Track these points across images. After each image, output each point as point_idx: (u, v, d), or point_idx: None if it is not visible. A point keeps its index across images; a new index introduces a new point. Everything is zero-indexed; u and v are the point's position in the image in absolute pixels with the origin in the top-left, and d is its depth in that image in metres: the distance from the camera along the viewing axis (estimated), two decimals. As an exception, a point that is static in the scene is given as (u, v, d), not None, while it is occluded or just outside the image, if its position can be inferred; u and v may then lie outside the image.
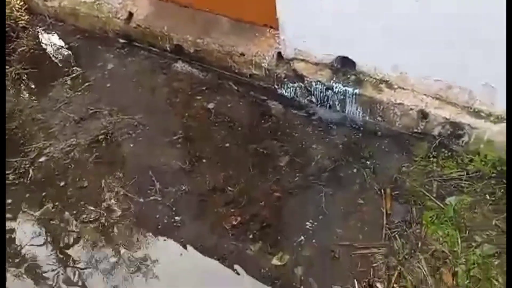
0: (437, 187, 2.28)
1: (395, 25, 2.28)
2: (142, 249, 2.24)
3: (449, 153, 2.40)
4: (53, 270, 2.20)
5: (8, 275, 2.18)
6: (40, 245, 2.31)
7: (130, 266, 2.18)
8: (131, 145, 2.67)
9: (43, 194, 2.47)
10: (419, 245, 2.08)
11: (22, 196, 2.48)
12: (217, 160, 2.56)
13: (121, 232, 2.30)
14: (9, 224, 2.39)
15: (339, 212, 2.25)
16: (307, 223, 2.21)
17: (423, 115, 2.48)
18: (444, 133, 2.44)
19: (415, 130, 2.53)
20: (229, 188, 2.41)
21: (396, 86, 2.55)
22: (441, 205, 2.20)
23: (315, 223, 2.21)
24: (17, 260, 2.25)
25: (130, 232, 2.30)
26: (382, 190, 2.29)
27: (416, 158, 2.41)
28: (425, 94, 2.48)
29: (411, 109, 2.49)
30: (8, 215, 2.42)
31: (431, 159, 2.40)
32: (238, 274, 2.10)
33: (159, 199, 2.39)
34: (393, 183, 2.32)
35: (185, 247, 2.21)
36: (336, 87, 2.64)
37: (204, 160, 2.56)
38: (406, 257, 2.03)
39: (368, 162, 2.44)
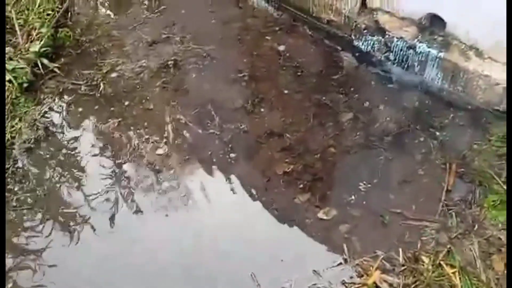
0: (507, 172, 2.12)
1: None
2: (193, 179, 2.30)
3: (530, 139, 2.19)
4: (106, 186, 2.30)
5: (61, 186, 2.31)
6: (97, 155, 2.41)
7: (177, 191, 2.25)
8: (198, 75, 2.68)
9: (111, 109, 2.58)
10: (475, 227, 1.98)
11: (91, 107, 2.61)
12: (279, 104, 2.51)
13: (177, 159, 2.38)
14: (73, 133, 2.52)
15: (396, 178, 2.17)
16: (360, 183, 2.16)
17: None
18: (529, 116, 2.22)
19: (496, 108, 2.32)
20: (287, 135, 2.38)
21: (486, 56, 2.31)
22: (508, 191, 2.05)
23: (369, 185, 2.15)
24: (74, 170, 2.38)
25: (185, 160, 2.37)
26: (447, 165, 2.16)
27: (491, 137, 2.24)
28: (518, 70, 2.23)
29: (498, 84, 2.27)
30: (74, 121, 2.55)
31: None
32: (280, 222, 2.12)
33: (217, 133, 2.42)
34: (460, 160, 2.18)
35: (234, 185, 2.26)
36: (419, 47, 2.44)
37: (266, 103, 2.53)
38: (459, 236, 1.95)
39: (437, 133, 2.30)
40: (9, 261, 2.04)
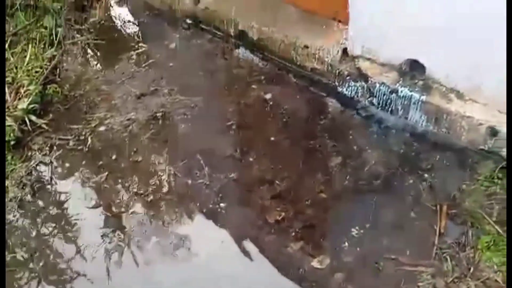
0: (498, 211, 2.12)
1: (475, 31, 2.12)
2: (184, 229, 2.27)
3: (517, 177, 2.22)
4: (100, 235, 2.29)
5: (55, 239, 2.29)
6: (87, 209, 2.40)
7: (170, 242, 2.22)
8: (186, 126, 2.71)
9: (99, 163, 2.57)
10: (471, 270, 1.95)
11: (79, 162, 2.60)
12: (268, 152, 2.53)
13: (167, 210, 2.35)
14: (61, 188, 2.50)
15: (388, 223, 2.15)
16: (353, 229, 2.14)
17: (493, 132, 2.30)
18: (514, 155, 2.26)
19: (482, 147, 2.36)
20: (277, 182, 2.38)
21: (467, 98, 2.38)
22: (501, 231, 2.04)
23: (361, 231, 2.13)
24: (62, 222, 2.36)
25: (174, 210, 2.34)
26: (438, 207, 2.16)
27: (479, 177, 2.25)
28: (498, 110, 2.29)
29: (481, 124, 2.32)
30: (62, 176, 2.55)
31: (495, 180, 2.23)
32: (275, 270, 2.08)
33: (207, 183, 2.41)
34: (450, 201, 2.18)
35: (226, 235, 2.22)
36: (401, 91, 2.51)
37: (254, 150, 2.54)
38: (455, 280, 1.92)
39: (425, 175, 2.31)
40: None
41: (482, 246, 2.01)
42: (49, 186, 2.51)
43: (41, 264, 2.20)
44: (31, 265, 2.19)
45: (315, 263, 2.06)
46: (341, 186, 2.33)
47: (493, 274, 1.93)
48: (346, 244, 2.10)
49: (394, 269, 1.98)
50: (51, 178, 2.55)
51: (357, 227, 2.14)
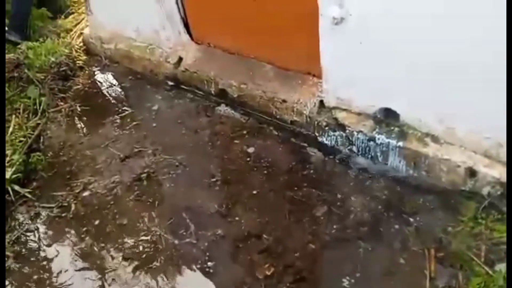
0: (486, 252, 2.13)
1: (441, 76, 2.23)
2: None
3: (499, 215, 2.25)
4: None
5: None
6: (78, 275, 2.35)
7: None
8: (171, 185, 2.72)
9: (84, 229, 2.53)
10: (465, 314, 1.93)
11: (63, 229, 2.56)
12: (254, 205, 2.54)
13: (153, 272, 2.30)
14: (47, 256, 2.46)
15: (378, 270, 2.14)
16: (344, 279, 2.11)
17: (471, 173, 2.36)
18: (494, 193, 2.30)
19: (463, 188, 2.41)
20: (264, 236, 2.37)
21: (442, 141, 2.46)
22: (490, 272, 2.04)
23: (352, 280, 2.11)
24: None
25: (163, 273, 2.29)
26: (426, 251, 2.17)
27: (463, 218, 2.28)
28: (474, 151, 2.37)
29: (459, 166, 2.39)
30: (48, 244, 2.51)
31: (480, 220, 2.26)
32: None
33: (194, 242, 2.39)
34: (437, 244, 2.19)
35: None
36: (378, 139, 2.59)
37: (240, 205, 2.55)
38: (451, 326, 1.88)
39: (411, 219, 2.33)
40: None
41: (473, 288, 2.00)
42: (32, 255, 2.46)
43: None
44: None
45: (308, 318, 2.01)
46: (329, 235, 2.33)
47: (488, 317, 1.91)
48: (338, 295, 2.07)
49: (388, 319, 1.95)
50: (38, 246, 2.50)
51: (347, 277, 2.12)
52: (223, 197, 2.62)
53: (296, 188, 2.59)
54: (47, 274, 2.38)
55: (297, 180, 2.65)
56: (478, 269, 2.05)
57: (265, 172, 2.72)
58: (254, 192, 2.61)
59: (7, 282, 2.33)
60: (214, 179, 2.71)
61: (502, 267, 2.03)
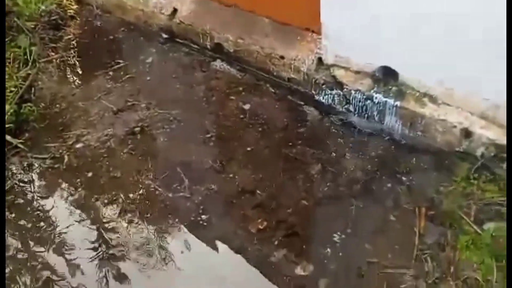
0: (476, 211, 2.17)
1: (443, 35, 2.18)
2: (167, 242, 2.26)
3: (492, 176, 2.27)
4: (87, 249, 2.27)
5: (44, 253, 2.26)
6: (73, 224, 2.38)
7: (153, 256, 2.21)
8: (165, 139, 2.70)
9: (77, 180, 2.53)
10: (451, 270, 1.98)
11: (56, 181, 2.56)
12: (248, 162, 2.53)
13: (148, 225, 2.32)
14: (41, 207, 2.47)
15: (369, 227, 2.17)
16: (335, 235, 2.15)
17: (467, 134, 2.36)
18: (488, 155, 2.32)
19: (457, 149, 2.42)
20: (258, 192, 2.38)
21: (440, 101, 2.44)
22: (479, 231, 2.09)
23: (343, 236, 2.15)
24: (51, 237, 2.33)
25: (157, 224, 2.32)
26: (417, 209, 2.20)
27: (456, 178, 2.30)
28: (470, 112, 2.36)
29: (455, 126, 2.38)
30: (43, 196, 2.52)
31: (472, 181, 2.28)
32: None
33: (188, 196, 2.40)
34: (429, 203, 2.22)
35: (208, 247, 2.21)
36: (376, 98, 2.56)
37: (235, 161, 2.55)
38: (437, 281, 1.94)
39: (403, 178, 2.35)
40: None
41: (461, 245, 2.05)
42: (30, 204, 2.47)
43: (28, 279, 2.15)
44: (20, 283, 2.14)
45: (299, 270, 2.06)
46: (322, 192, 2.35)
47: (472, 273, 1.97)
48: (329, 250, 2.10)
49: (377, 273, 2.00)
50: (32, 197, 2.50)
51: (338, 233, 2.16)
52: (217, 153, 2.61)
53: (291, 146, 2.59)
54: (42, 224, 2.39)
55: (292, 138, 2.64)
56: (467, 228, 2.10)
57: (261, 129, 2.70)
58: (249, 148, 2.60)
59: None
60: (208, 135, 2.69)
61: (490, 226, 2.08)
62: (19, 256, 2.26)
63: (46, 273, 2.19)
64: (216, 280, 2.10)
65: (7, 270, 2.19)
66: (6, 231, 2.34)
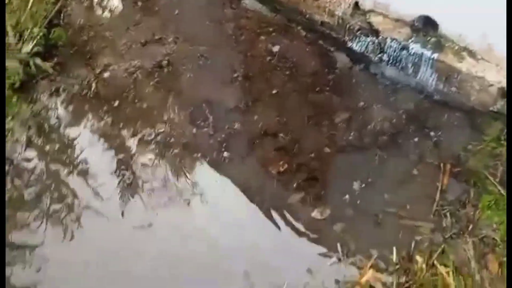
0: (502, 173, 2.12)
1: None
2: (187, 177, 2.29)
3: (524, 139, 2.20)
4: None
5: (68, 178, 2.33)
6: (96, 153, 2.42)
7: (174, 190, 2.24)
8: (192, 75, 2.67)
9: (104, 108, 2.55)
10: (470, 227, 1.97)
11: (83, 107, 2.59)
12: (274, 104, 2.50)
13: (171, 157, 2.35)
14: (66, 131, 2.51)
15: (390, 178, 2.16)
16: (355, 183, 2.15)
17: (503, 93, 2.26)
18: (523, 117, 2.23)
19: (491, 109, 2.32)
20: (281, 135, 2.37)
21: (479, 57, 2.32)
22: (502, 192, 2.05)
23: (363, 185, 2.14)
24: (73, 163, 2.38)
25: (179, 158, 2.35)
26: (442, 165, 2.16)
27: (486, 138, 2.23)
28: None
29: (492, 85, 2.28)
30: (68, 122, 2.55)
31: (502, 142, 2.21)
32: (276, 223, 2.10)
33: (211, 133, 2.40)
34: (455, 160, 2.18)
35: (228, 184, 2.24)
36: (412, 48, 2.45)
37: (260, 103, 2.52)
38: (453, 236, 1.94)
39: (431, 133, 2.30)
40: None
41: (483, 205, 2.03)
42: (57, 129, 2.52)
43: (49, 202, 2.22)
44: (40, 205, 2.21)
45: (315, 214, 2.09)
46: (346, 141, 2.32)
47: (491, 232, 1.96)
48: (347, 197, 2.11)
49: (393, 223, 2.00)
50: (58, 122, 2.54)
51: (359, 181, 2.15)
52: (243, 93, 2.58)
53: (318, 92, 2.53)
54: (66, 150, 2.44)
55: (320, 84, 2.57)
56: (492, 188, 2.06)
57: (288, 72, 2.64)
58: (275, 91, 2.56)
59: (31, 153, 2.41)
60: (235, 75, 2.65)
61: (516, 188, 2.03)
62: (44, 178, 2.33)
63: (69, 199, 2.25)
64: (228, 220, 2.13)
65: (33, 191, 2.26)
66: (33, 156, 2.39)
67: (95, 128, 2.51)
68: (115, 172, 2.32)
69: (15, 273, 1.98)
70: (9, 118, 2.46)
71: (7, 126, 2.43)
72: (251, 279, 1.89)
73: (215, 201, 2.20)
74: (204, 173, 2.30)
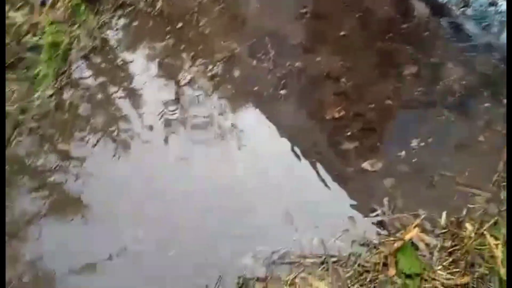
0: None
1: None
2: (239, 111, 2.26)
3: None
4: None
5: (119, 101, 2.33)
6: (150, 74, 2.40)
7: (220, 128, 2.22)
8: (257, 6, 2.57)
9: (167, 29, 2.52)
10: (529, 204, 1.86)
11: (147, 24, 2.57)
12: (340, 47, 2.38)
13: (227, 87, 2.33)
14: (128, 46, 2.50)
15: (452, 141, 2.05)
16: (414, 140, 2.06)
17: None
18: None
19: None
20: (343, 80, 2.27)
21: None
22: None
23: (422, 143, 2.05)
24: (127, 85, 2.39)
25: (234, 89, 2.31)
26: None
27: None
28: None
29: None
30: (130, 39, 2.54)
31: None
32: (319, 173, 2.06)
33: (271, 68, 2.34)
34: (526, 132, 2.02)
35: (279, 122, 2.19)
36: (501, 5, 2.22)
37: (326, 43, 2.40)
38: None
39: (505, 101, 2.12)
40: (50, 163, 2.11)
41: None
42: (115, 43, 2.52)
43: (101, 119, 2.27)
44: (91, 121, 2.26)
45: (366, 165, 2.03)
46: (411, 96, 2.20)
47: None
48: (403, 153, 2.03)
49: (448, 186, 1.92)
50: (118, 42, 2.53)
51: (418, 139, 2.06)
52: (310, 31, 2.46)
53: (389, 40, 2.38)
54: (122, 73, 2.42)
55: (393, 32, 2.41)
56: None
57: (361, 16, 2.48)
58: (343, 33, 2.43)
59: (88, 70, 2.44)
60: (304, 10, 2.52)
61: None
62: (97, 96, 2.35)
63: (118, 121, 2.26)
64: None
65: (87, 107, 2.31)
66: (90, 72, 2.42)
67: (152, 53, 2.48)
68: (165, 102, 2.30)
69: (65, 182, 2.06)
70: (76, 26, 2.49)
71: (72, 34, 2.46)
72: (293, 220, 1.90)
73: (258, 147, 2.12)
74: (250, 115, 2.24)
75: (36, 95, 2.34)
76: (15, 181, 2.03)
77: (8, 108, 2.29)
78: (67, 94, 2.33)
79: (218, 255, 1.84)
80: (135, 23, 2.57)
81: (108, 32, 2.55)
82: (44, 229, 1.90)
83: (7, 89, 2.37)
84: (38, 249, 1.85)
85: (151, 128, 2.22)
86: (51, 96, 2.34)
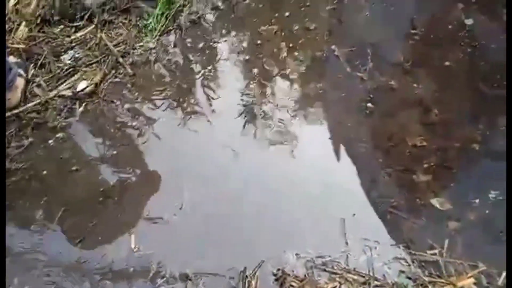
0: None
1: None
2: (322, 114, 2.28)
3: None
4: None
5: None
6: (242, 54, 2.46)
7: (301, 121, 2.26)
8: (368, 14, 2.54)
9: (275, 15, 2.57)
10: None
11: (256, 5, 2.63)
12: (440, 77, 2.30)
13: (314, 88, 2.34)
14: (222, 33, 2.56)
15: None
16: (493, 191, 1.96)
17: None
18: None
19: None
20: (435, 111, 2.20)
21: None
22: None
23: (500, 197, 1.94)
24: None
25: (319, 93, 2.33)
26: None
27: None
28: None
29: None
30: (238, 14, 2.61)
31: None
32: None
33: (364, 78, 2.32)
34: None
35: (359, 134, 2.19)
36: None
37: (426, 69, 2.34)
38: None
39: None
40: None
41: None
42: (224, 15, 2.62)
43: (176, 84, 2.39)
44: (172, 83, 2.39)
45: (434, 202, 1.98)
46: (500, 147, 2.09)
47: None
48: (477, 201, 1.95)
49: (516, 248, 1.82)
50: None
51: (497, 192, 1.96)
52: (414, 53, 2.40)
53: (495, 86, 2.26)
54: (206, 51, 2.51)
55: (501, 79, 2.29)
56: None
57: (470, 51, 2.38)
58: (448, 64, 2.35)
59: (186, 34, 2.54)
60: (414, 31, 2.46)
61: None
62: (182, 67, 2.45)
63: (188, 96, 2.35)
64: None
65: (165, 73, 2.41)
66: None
67: (259, 31, 2.53)
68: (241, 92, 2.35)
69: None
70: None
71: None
72: (347, 231, 1.90)
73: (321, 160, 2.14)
74: (340, 114, 2.26)
75: (138, 44, 2.50)
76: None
77: (112, 48, 2.46)
78: (163, 54, 2.47)
79: (266, 242, 1.89)
80: (247, 1, 2.65)
81: (219, 3, 2.65)
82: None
83: (115, 32, 2.55)
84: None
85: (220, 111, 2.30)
86: (151, 49, 2.49)
